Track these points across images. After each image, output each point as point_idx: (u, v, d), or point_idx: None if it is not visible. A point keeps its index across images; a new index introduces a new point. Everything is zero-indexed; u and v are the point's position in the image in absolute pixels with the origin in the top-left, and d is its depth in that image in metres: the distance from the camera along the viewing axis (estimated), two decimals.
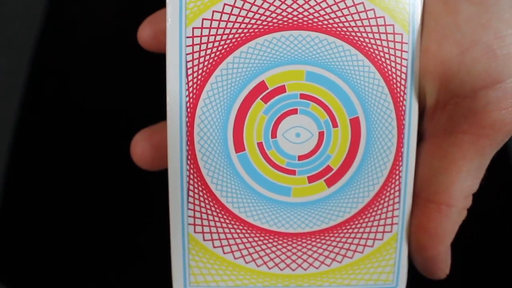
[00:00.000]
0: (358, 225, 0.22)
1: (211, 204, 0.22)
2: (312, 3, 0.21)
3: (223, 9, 0.21)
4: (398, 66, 0.22)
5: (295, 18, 0.21)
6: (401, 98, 0.22)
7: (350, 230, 0.22)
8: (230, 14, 0.21)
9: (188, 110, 0.21)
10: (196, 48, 0.21)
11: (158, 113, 0.25)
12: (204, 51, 0.21)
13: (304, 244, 0.22)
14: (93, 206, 0.35)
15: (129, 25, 0.35)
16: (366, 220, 0.22)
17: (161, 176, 0.24)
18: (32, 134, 0.37)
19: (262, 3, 0.21)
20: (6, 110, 0.37)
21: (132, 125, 0.34)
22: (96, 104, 0.36)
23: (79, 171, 0.36)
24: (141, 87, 0.35)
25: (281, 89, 0.21)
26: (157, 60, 0.28)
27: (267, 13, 0.21)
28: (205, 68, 0.21)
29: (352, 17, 0.21)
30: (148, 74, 0.34)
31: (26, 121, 0.37)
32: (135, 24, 0.27)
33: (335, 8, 0.21)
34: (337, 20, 0.21)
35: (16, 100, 0.36)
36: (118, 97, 0.36)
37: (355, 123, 0.22)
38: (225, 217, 0.22)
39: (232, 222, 0.22)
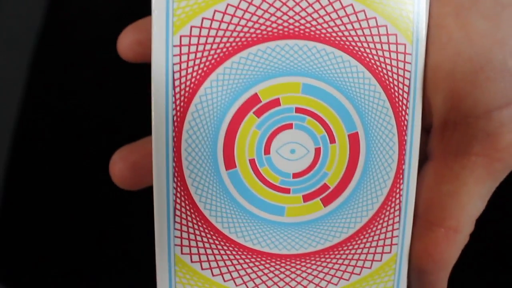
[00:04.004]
0: (356, 246, 0.21)
1: (199, 224, 0.20)
2: (310, 10, 0.19)
3: (213, 16, 0.19)
4: (401, 79, 0.20)
5: (291, 27, 0.20)
6: (403, 113, 0.20)
7: (347, 251, 0.21)
8: (221, 21, 0.19)
9: (175, 124, 0.20)
10: (184, 57, 0.20)
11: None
12: (193, 61, 0.20)
13: (298, 266, 0.21)
14: (92, 206, 0.35)
15: None
16: (364, 240, 0.21)
17: (146, 193, 0.23)
18: (32, 134, 0.36)
19: (256, 10, 0.19)
20: (6, 110, 0.37)
21: (133, 126, 0.33)
22: (95, 105, 0.35)
23: (80, 172, 0.36)
24: (142, 88, 0.34)
25: (275, 103, 0.20)
26: None
27: (261, 20, 0.19)
28: (193, 79, 0.20)
29: (352, 26, 0.20)
30: (149, 74, 0.34)
31: (26, 121, 0.37)
32: None
33: (334, 16, 0.20)
34: (336, 29, 0.20)
35: (16, 100, 0.36)
36: (118, 98, 0.35)
37: (354, 139, 0.20)
38: (214, 237, 0.21)
39: (222, 243, 0.21)
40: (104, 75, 0.35)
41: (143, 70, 0.33)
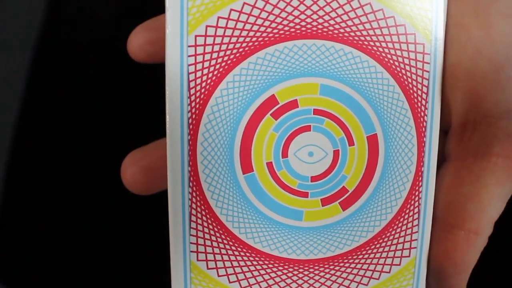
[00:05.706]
0: (375, 250, 0.21)
1: (216, 229, 0.20)
2: (327, 9, 0.19)
3: (229, 15, 0.19)
4: (419, 79, 0.20)
5: (308, 26, 0.19)
6: (422, 114, 0.20)
7: (366, 256, 0.21)
8: (237, 21, 0.19)
9: (190, 127, 0.19)
10: (199, 58, 0.19)
11: (160, 119, 0.24)
12: (208, 62, 0.19)
13: (316, 272, 0.20)
14: (101, 210, 0.35)
15: (129, 26, 0.34)
16: (383, 244, 0.21)
17: (161, 198, 0.22)
18: (32, 134, 0.36)
19: (273, 9, 0.19)
20: (5, 110, 0.36)
21: (133, 127, 0.33)
22: (95, 105, 0.35)
23: (79, 172, 0.35)
24: (143, 88, 0.34)
25: (293, 104, 0.19)
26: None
27: (278, 20, 0.19)
28: (209, 81, 0.19)
29: (371, 25, 0.19)
30: (150, 74, 0.33)
31: (26, 121, 0.36)
32: (135, 25, 0.25)
33: (352, 15, 0.19)
34: (354, 28, 0.19)
35: (15, 100, 0.36)
36: (117, 98, 0.35)
37: (372, 141, 0.20)
38: (230, 243, 0.20)
39: (239, 249, 0.20)
40: (104, 75, 0.35)
41: (145, 70, 0.33)
